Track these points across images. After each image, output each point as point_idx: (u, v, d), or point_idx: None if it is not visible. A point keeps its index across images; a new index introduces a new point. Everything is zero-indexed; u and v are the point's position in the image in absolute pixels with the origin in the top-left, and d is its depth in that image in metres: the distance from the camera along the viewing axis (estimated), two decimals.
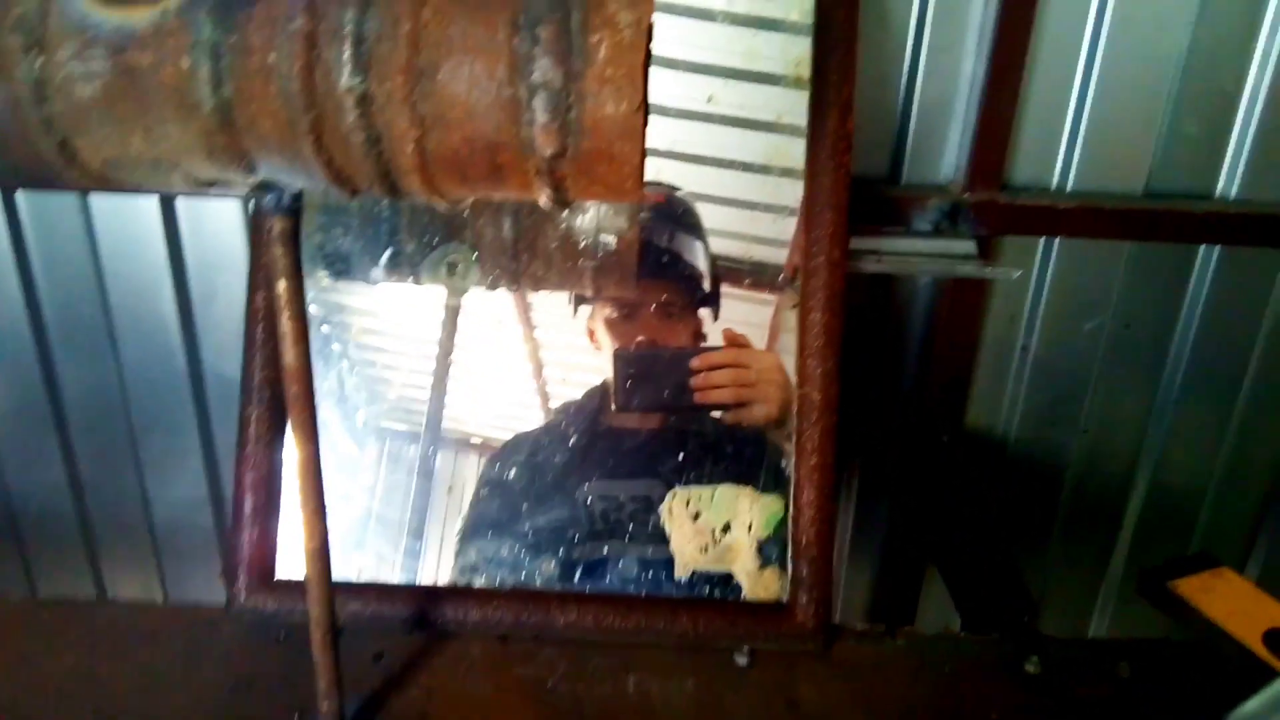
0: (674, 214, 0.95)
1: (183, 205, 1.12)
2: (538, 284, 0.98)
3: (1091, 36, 1.03)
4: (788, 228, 0.93)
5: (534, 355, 1.00)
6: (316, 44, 0.52)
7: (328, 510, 0.69)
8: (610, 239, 0.98)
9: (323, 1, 0.53)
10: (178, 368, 1.19)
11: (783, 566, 0.88)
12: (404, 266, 0.94)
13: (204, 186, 0.60)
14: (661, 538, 0.90)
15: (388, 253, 0.94)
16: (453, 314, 1.00)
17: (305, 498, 0.68)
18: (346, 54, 0.52)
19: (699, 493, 0.90)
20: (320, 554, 0.69)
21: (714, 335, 0.95)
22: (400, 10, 0.53)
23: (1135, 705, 0.82)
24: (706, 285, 0.94)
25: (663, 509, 0.90)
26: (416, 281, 0.94)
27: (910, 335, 1.18)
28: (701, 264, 0.95)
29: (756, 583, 0.88)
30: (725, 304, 0.96)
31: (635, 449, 0.93)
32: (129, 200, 1.11)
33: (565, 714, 0.81)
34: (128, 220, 1.13)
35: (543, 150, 0.53)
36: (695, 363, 0.90)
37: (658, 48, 0.59)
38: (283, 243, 0.62)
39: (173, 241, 1.14)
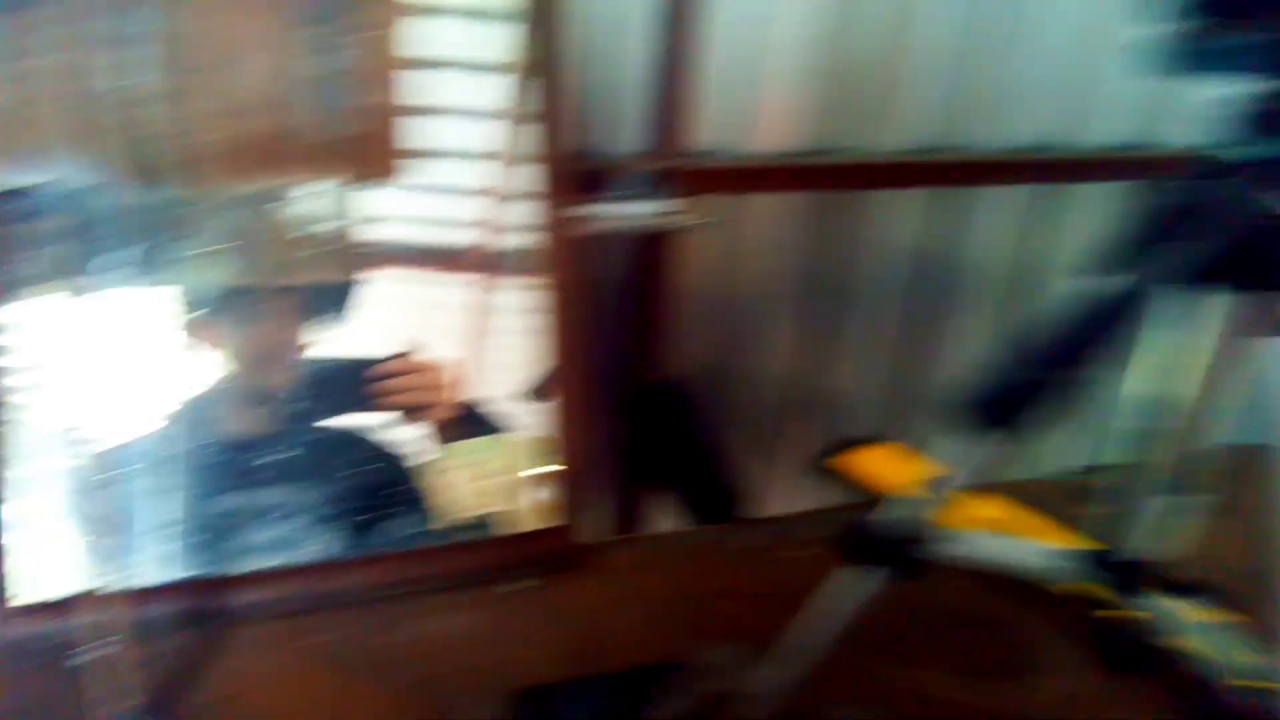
0: None
1: None
2: (267, 275, 0.99)
3: (755, 24, 1.22)
4: (513, 211, 1.01)
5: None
6: (116, 46, 0.53)
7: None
8: (329, 227, 1.02)
9: (110, 6, 0.54)
10: None
11: (546, 499, 0.99)
12: (132, 267, 0.91)
13: None
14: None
15: (115, 254, 0.90)
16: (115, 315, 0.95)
17: None
18: (140, 55, 0.54)
19: (466, 446, 0.98)
20: None
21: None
22: (191, 15, 0.56)
23: (821, 562, 1.03)
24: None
25: (434, 467, 0.97)
26: (152, 281, 0.91)
27: (618, 287, 1.33)
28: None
29: (527, 516, 0.99)
30: (452, 289, 1.00)
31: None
32: None
33: (350, 668, 0.86)
34: None
35: (319, 136, 0.59)
36: (374, 371, 0.95)
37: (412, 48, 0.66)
38: None
39: None
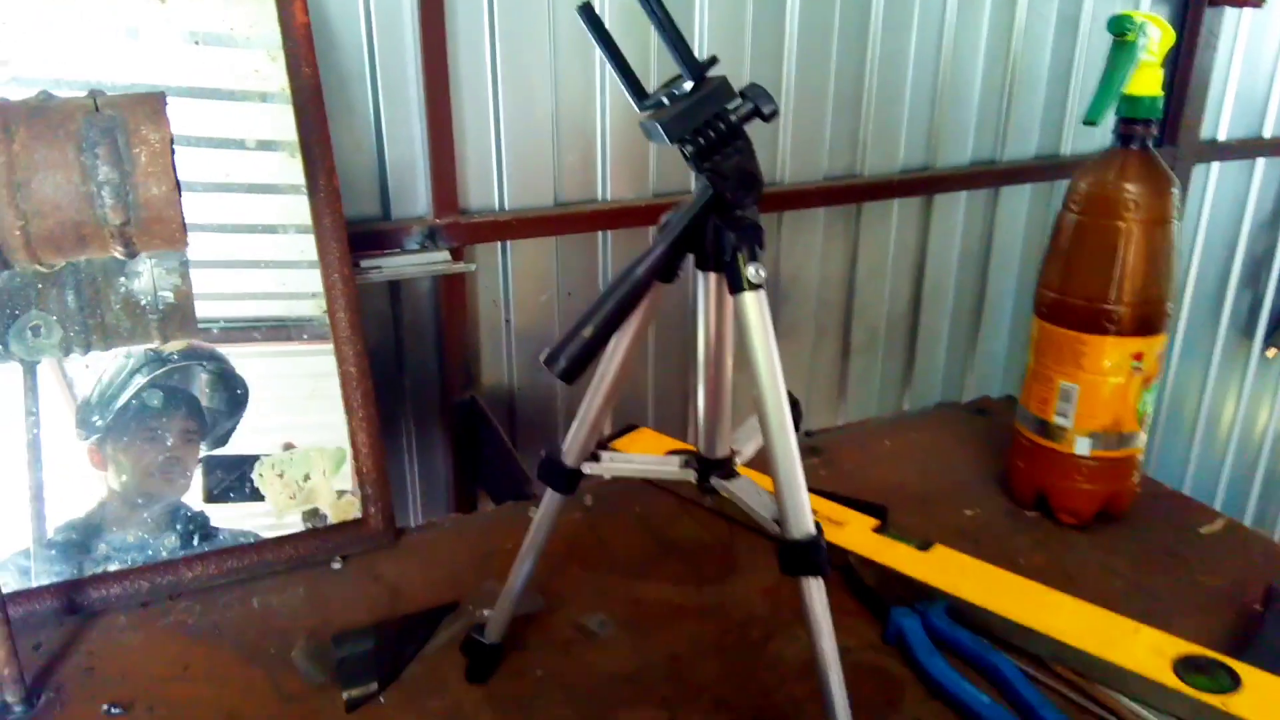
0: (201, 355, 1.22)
1: None
2: (110, 341, 1.22)
3: (494, 106, 1.54)
4: (310, 279, 1.27)
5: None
6: None
7: None
8: (168, 294, 1.26)
9: None
10: None
11: (354, 493, 1.25)
12: None
13: None
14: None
15: None
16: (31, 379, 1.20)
17: None
18: None
19: (279, 458, 1.23)
20: None
21: None
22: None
23: (595, 524, 1.33)
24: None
25: (255, 476, 1.22)
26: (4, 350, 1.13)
27: (425, 325, 1.61)
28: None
29: (338, 509, 1.25)
30: (264, 361, 1.25)
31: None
32: None
33: (206, 639, 1.10)
34: None
35: (113, 221, 0.85)
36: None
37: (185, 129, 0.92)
38: None
39: None
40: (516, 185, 1.60)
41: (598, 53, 0.86)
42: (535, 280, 1.68)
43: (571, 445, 0.94)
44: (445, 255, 1.51)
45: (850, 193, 1.89)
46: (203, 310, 1.22)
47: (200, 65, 1.22)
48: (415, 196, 1.54)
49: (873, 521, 1.26)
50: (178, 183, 0.88)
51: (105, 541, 1.16)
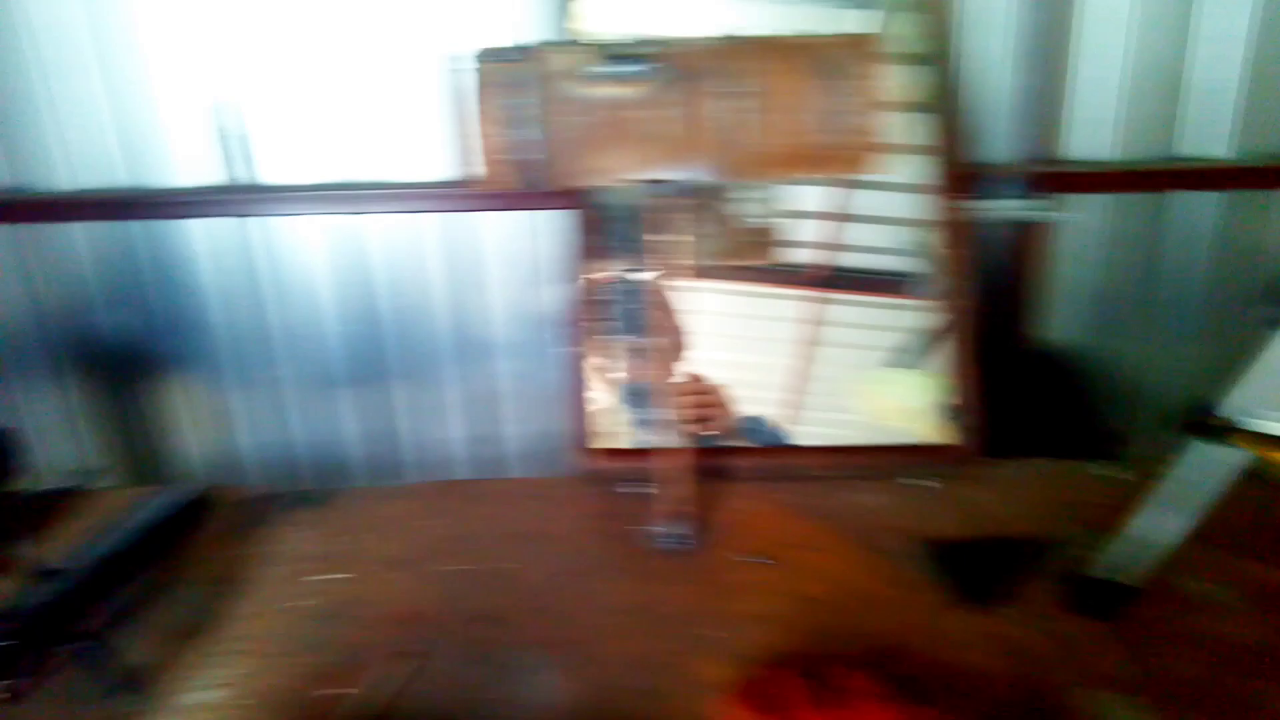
0: None
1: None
2: (722, 256, 1.40)
3: (1122, 53, 1.47)
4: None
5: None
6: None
7: None
8: (758, 219, 1.41)
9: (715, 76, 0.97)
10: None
11: (948, 419, 1.32)
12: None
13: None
14: None
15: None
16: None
17: None
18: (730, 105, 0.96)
19: (892, 374, 1.34)
20: None
21: None
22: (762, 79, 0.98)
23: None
24: None
25: (854, 387, 1.34)
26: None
27: (995, 271, 1.62)
28: None
29: (936, 432, 1.32)
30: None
31: None
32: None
33: (821, 519, 1.24)
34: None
35: (833, 144, 0.98)
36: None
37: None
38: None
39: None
40: (1126, 135, 1.52)
41: None
42: (1119, 239, 1.60)
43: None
44: (1040, 203, 1.49)
45: None
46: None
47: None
48: (1008, 141, 1.53)
49: None
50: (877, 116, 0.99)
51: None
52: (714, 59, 0.96)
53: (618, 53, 0.96)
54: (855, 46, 1.02)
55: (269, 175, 1.54)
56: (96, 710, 0.96)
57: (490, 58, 0.98)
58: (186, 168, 1.53)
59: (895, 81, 1.34)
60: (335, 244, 1.58)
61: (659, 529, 1.22)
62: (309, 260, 1.58)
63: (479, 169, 1.00)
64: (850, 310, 1.36)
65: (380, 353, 1.65)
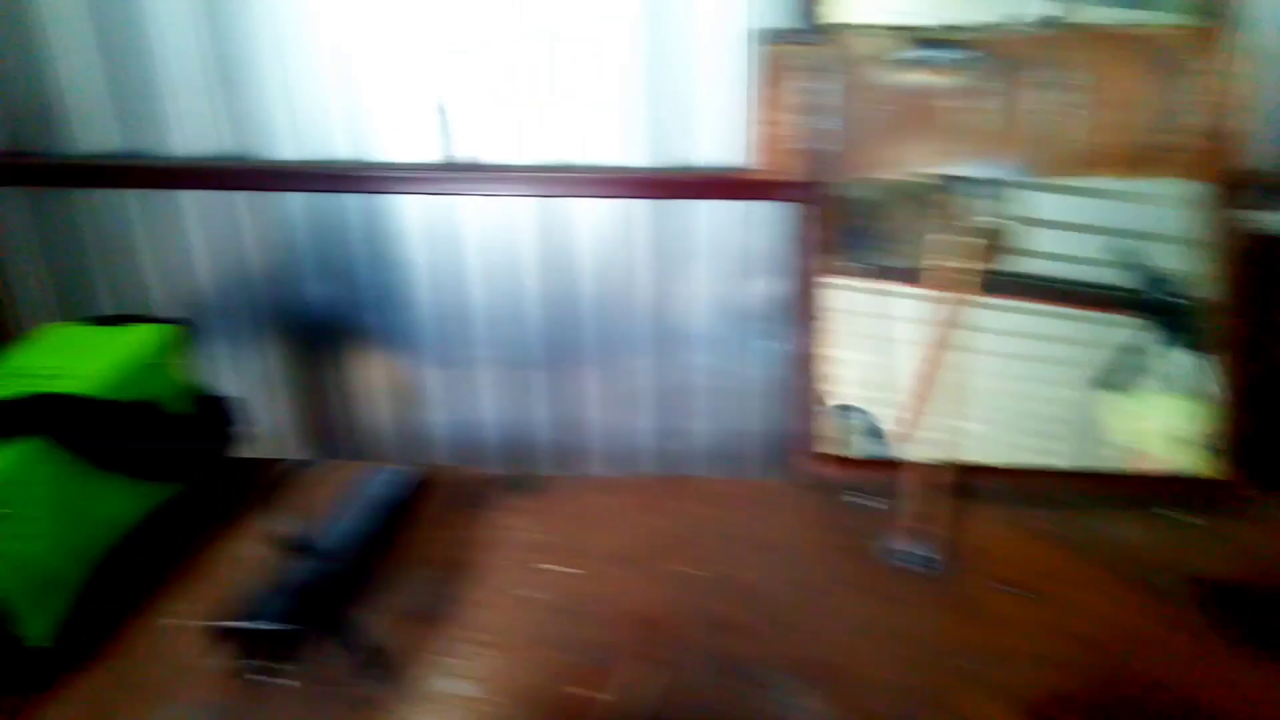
0: None
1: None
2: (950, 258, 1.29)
3: None
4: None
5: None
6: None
7: None
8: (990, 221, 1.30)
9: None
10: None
11: (1209, 448, 1.20)
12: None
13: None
14: None
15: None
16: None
17: None
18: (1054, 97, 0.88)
19: (1153, 399, 1.23)
20: None
21: None
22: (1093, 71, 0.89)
23: None
24: None
25: (1111, 413, 1.24)
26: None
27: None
28: None
29: (1198, 463, 1.21)
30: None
31: None
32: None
33: (1077, 550, 1.15)
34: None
35: (1164, 144, 0.88)
36: None
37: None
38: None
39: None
40: None
41: None
42: None
43: None
44: None
45: None
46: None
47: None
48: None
49: None
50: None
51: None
52: (1038, 48, 0.88)
53: (930, 38, 0.89)
54: (1199, 39, 0.93)
55: (484, 154, 1.52)
56: (346, 691, 0.95)
57: (784, 39, 0.92)
58: (405, 144, 1.52)
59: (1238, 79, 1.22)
60: (543, 226, 1.55)
61: (900, 546, 1.15)
62: (516, 241, 1.56)
63: (755, 157, 0.95)
64: (1061, 324, 1.25)
65: (577, 338, 1.62)
